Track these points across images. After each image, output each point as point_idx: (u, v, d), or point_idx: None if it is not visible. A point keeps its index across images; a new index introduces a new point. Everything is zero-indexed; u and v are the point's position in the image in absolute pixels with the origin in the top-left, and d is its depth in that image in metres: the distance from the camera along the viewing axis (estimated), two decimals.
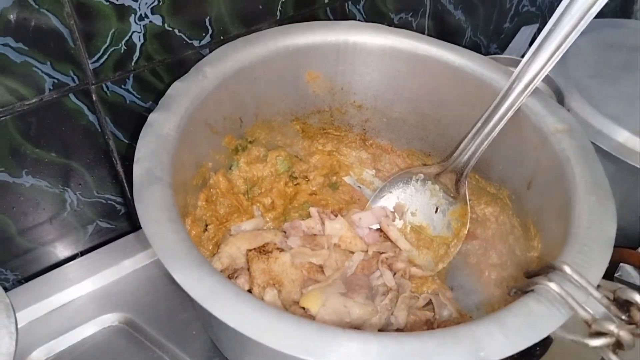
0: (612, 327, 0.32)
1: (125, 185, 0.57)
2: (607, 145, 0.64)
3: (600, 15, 0.96)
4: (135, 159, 0.40)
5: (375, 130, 0.61)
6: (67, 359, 0.51)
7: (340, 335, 0.31)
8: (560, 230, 0.42)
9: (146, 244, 0.58)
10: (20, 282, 0.56)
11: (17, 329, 0.37)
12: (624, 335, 0.32)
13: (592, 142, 0.46)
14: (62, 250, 0.57)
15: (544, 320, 0.33)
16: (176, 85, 0.46)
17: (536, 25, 0.85)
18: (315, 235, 0.52)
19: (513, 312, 0.34)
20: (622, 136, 0.66)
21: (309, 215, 0.55)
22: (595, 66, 0.75)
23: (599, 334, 0.33)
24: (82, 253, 0.58)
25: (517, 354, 0.52)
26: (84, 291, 0.55)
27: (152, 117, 0.43)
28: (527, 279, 0.38)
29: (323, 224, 0.53)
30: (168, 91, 0.45)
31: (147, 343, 0.52)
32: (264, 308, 0.32)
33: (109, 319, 0.53)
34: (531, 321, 0.33)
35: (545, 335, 0.33)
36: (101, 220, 0.57)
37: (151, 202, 0.37)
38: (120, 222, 0.59)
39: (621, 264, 0.67)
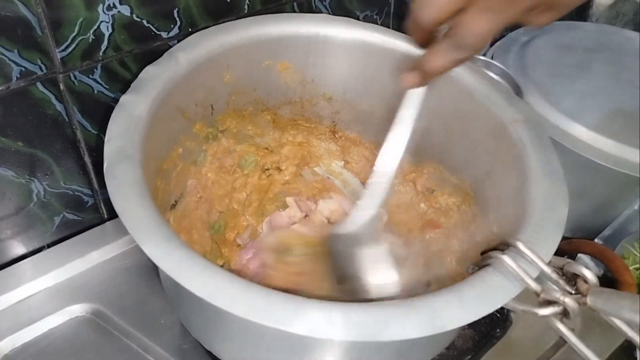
0: (558, 295, 0.34)
1: (93, 176, 0.57)
2: (563, 139, 0.67)
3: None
4: (106, 138, 0.41)
5: (345, 123, 0.62)
6: (33, 350, 0.50)
7: (307, 304, 0.32)
8: (516, 214, 0.44)
9: (114, 236, 0.59)
10: None
11: None
12: (569, 302, 0.34)
13: (549, 137, 0.48)
14: (28, 243, 0.56)
15: (498, 292, 0.35)
16: (148, 70, 0.46)
17: None
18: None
19: (470, 285, 0.36)
20: (578, 131, 0.69)
21: (285, 206, 0.57)
22: (552, 65, 0.78)
23: (548, 303, 0.35)
24: (49, 245, 0.58)
25: (479, 335, 0.55)
26: (50, 283, 0.54)
27: (123, 98, 0.44)
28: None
29: (302, 211, 0.54)
30: (140, 74, 0.46)
31: (115, 333, 0.52)
32: (232, 279, 0.33)
33: (77, 310, 0.53)
34: (486, 293, 0.35)
35: (499, 306, 0.35)
36: (68, 211, 0.57)
37: (122, 178, 0.38)
38: (87, 214, 0.59)
39: (579, 255, 0.70)
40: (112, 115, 0.42)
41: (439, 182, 0.59)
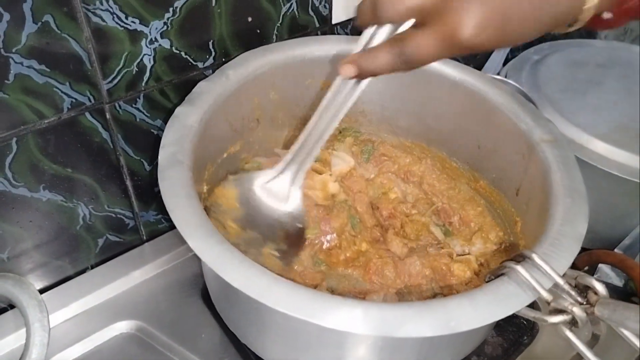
0: (567, 305, 0.36)
1: (134, 199, 0.60)
2: (579, 152, 0.69)
3: (567, 36, 1.04)
4: (161, 145, 0.45)
5: (381, 139, 0.66)
6: None
7: (332, 300, 0.36)
8: (539, 229, 0.46)
9: (153, 256, 0.62)
10: None
11: (49, 322, 0.40)
12: (577, 311, 0.36)
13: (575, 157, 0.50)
14: (74, 264, 0.59)
15: (510, 299, 0.37)
16: (201, 85, 0.51)
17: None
18: None
19: (484, 291, 0.38)
20: (593, 143, 0.71)
21: None
22: (565, 82, 0.80)
23: (557, 312, 0.37)
24: (93, 266, 0.61)
25: (507, 342, 0.56)
26: (96, 301, 0.57)
27: (178, 110, 0.48)
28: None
29: None
30: (194, 89, 0.50)
31: (159, 348, 0.54)
32: (264, 272, 0.37)
33: (122, 327, 0.56)
34: (499, 299, 0.37)
35: (510, 312, 0.37)
36: (111, 233, 0.60)
37: (173, 181, 0.42)
38: (128, 236, 0.62)
39: (599, 265, 0.72)
40: (167, 124, 0.47)
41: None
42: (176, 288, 0.59)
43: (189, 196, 0.41)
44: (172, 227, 0.65)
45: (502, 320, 0.55)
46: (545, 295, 0.37)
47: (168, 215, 0.64)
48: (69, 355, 0.53)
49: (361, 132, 0.65)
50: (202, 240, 0.38)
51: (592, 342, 0.56)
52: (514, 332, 0.56)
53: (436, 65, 0.58)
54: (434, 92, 0.59)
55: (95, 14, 0.46)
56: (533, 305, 0.38)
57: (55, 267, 0.58)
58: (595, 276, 0.71)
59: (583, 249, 0.73)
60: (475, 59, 0.89)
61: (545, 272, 0.38)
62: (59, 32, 0.46)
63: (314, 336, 0.43)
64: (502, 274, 0.39)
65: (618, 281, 0.71)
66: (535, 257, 0.39)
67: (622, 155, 0.70)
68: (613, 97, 0.78)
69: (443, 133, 0.61)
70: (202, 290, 0.59)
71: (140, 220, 0.62)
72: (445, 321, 0.35)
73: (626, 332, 0.36)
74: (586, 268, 0.73)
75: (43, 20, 0.44)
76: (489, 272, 0.42)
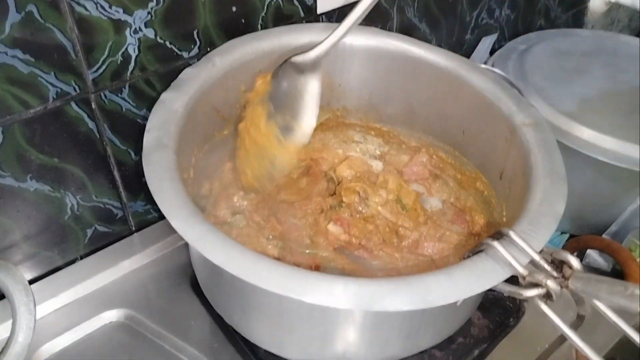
0: (541, 278, 0.37)
1: (122, 190, 0.60)
2: (566, 139, 0.70)
3: (554, 26, 1.05)
4: (146, 129, 0.45)
5: (370, 125, 0.66)
6: (73, 353, 0.54)
7: (311, 276, 0.36)
8: (520, 210, 0.46)
9: (142, 246, 0.62)
10: None
11: (35, 306, 0.40)
12: (551, 284, 0.37)
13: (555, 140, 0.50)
14: (63, 255, 0.60)
15: (487, 275, 0.38)
16: (187, 71, 0.51)
17: (495, 35, 0.92)
18: None
19: (461, 267, 0.38)
20: (579, 130, 0.72)
21: None
22: (551, 70, 0.81)
23: (532, 286, 0.38)
24: (82, 257, 0.61)
25: (493, 324, 0.57)
26: (85, 291, 0.58)
27: (163, 95, 0.49)
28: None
29: None
30: (180, 75, 0.51)
31: (148, 335, 0.55)
32: (245, 251, 0.37)
33: (111, 316, 0.56)
34: (476, 275, 0.38)
35: (487, 287, 0.38)
36: (99, 224, 0.61)
37: (157, 164, 0.43)
38: (117, 226, 0.62)
39: (588, 251, 0.72)
40: (153, 109, 0.47)
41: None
42: (165, 277, 0.60)
43: (173, 179, 0.42)
44: (161, 217, 0.66)
45: (488, 302, 0.57)
46: (521, 270, 0.38)
47: (156, 205, 0.65)
48: (59, 344, 0.54)
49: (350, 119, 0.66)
50: (185, 220, 0.39)
51: (577, 322, 0.57)
52: (500, 314, 0.57)
53: (422, 53, 0.59)
54: (420, 79, 0.60)
55: (78, 4, 0.47)
56: (512, 282, 0.39)
57: (44, 258, 0.58)
58: (583, 262, 0.72)
59: (571, 236, 0.74)
60: (462, 48, 0.90)
61: (521, 248, 0.39)
62: (42, 21, 0.46)
63: (296, 314, 0.43)
64: (480, 251, 0.40)
65: (606, 266, 0.71)
66: (512, 234, 0.39)
67: (608, 142, 0.70)
68: (599, 85, 0.79)
69: (429, 119, 0.62)
70: (191, 279, 0.59)
71: (128, 210, 0.62)
72: (423, 295, 0.36)
73: (600, 305, 0.36)
74: (575, 254, 0.74)
75: (26, 10, 0.45)
76: (468, 250, 0.42)
